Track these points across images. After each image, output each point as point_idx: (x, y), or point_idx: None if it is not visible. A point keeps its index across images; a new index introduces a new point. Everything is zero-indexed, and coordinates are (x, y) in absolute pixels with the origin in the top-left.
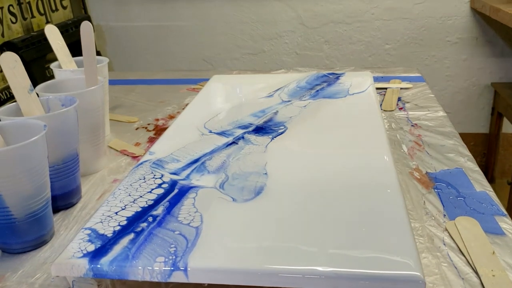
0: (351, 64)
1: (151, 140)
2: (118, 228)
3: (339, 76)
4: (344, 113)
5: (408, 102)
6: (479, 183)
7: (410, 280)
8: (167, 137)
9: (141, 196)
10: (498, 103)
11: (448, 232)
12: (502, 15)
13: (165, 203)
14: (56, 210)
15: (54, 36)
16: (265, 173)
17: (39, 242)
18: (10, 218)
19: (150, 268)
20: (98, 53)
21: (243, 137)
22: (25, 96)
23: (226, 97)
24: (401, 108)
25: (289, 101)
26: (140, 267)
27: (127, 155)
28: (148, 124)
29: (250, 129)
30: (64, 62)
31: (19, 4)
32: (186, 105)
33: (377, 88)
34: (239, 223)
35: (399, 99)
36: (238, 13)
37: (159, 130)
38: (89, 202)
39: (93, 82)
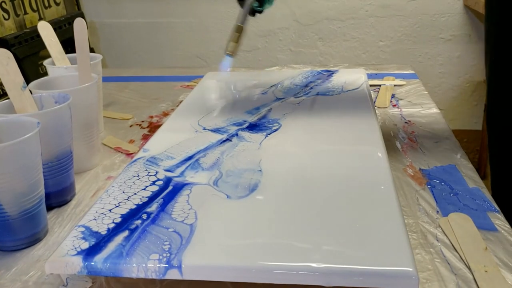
0: (345, 61)
1: (145, 137)
2: (112, 225)
3: (333, 73)
4: (338, 110)
5: (401, 99)
6: (472, 179)
7: (403, 275)
8: (161, 134)
9: (135, 194)
10: None
11: (441, 228)
12: None
13: (159, 200)
14: (49, 207)
15: (47, 32)
16: (260, 170)
17: (32, 240)
18: (3, 216)
19: (144, 265)
20: (92, 50)
21: (237, 134)
22: (18, 93)
23: (220, 94)
24: (394, 105)
25: (283, 98)
26: (134, 265)
27: (121, 152)
28: (142, 121)
29: (244, 126)
30: (57, 59)
31: (12, 0)
32: (180, 102)
33: (371, 85)
34: (233, 220)
35: (392, 96)
36: (231, 10)
37: (153, 127)
38: (83, 200)
39: (86, 79)
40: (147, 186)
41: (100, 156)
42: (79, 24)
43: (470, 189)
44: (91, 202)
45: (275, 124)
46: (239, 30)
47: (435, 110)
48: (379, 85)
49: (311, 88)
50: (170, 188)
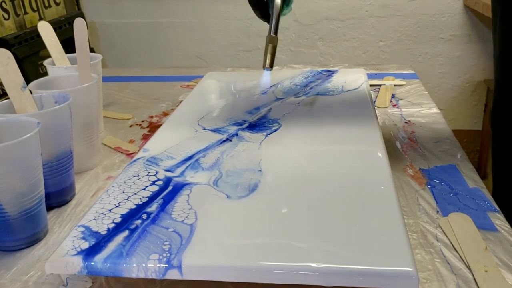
0: (345, 61)
1: (145, 137)
2: (112, 225)
3: (333, 73)
4: (338, 110)
5: (401, 99)
6: (472, 179)
7: (403, 275)
8: (161, 134)
9: (135, 193)
10: (491, 100)
11: (441, 228)
12: None
13: (159, 200)
14: (49, 207)
15: (47, 32)
16: (260, 170)
17: (32, 240)
18: (3, 216)
19: (144, 265)
20: (92, 50)
21: (237, 134)
22: (18, 93)
23: (220, 94)
24: (394, 105)
25: (283, 98)
26: (134, 265)
27: (121, 152)
28: (142, 121)
29: (244, 126)
30: (57, 59)
31: (12, 0)
32: (180, 102)
33: (371, 85)
34: (233, 220)
35: (392, 96)
36: (232, 10)
37: (153, 127)
38: (83, 200)
39: (86, 79)
40: (147, 186)
41: (100, 156)
42: (79, 24)
43: (470, 189)
44: (91, 202)
45: (275, 124)
46: (273, 41)
47: (435, 110)
48: (379, 85)
49: (311, 88)
50: (170, 188)
